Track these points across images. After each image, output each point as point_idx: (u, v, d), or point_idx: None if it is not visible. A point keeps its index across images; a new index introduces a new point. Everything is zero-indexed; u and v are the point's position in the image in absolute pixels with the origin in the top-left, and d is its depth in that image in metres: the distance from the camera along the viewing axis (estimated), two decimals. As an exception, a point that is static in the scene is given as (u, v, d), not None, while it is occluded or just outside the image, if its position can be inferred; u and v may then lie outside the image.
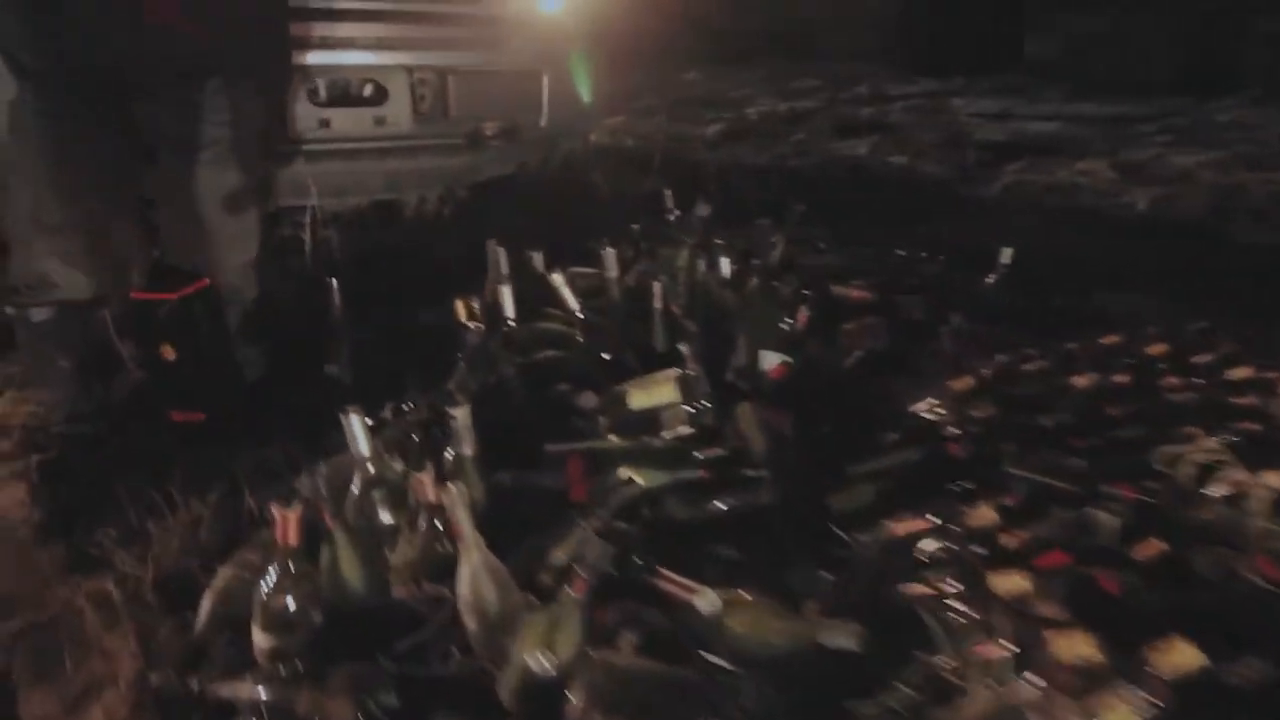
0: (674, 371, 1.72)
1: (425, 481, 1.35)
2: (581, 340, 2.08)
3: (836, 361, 2.19)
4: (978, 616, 1.16)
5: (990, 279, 2.76)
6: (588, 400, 1.71)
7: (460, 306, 2.24)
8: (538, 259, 2.57)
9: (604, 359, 2.06)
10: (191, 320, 2.06)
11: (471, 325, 2.23)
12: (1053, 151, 5.95)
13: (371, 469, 1.44)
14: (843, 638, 1.16)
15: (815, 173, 5.92)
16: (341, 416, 1.43)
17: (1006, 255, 2.73)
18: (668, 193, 3.42)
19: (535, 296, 2.47)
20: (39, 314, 2.17)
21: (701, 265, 2.45)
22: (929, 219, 4.45)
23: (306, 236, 3.04)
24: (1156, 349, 2.09)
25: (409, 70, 3.09)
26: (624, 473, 1.47)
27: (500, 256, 2.52)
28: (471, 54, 3.22)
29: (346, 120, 3.00)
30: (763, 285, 2.20)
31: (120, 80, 2.08)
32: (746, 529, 1.44)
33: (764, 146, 6.63)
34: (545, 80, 3.37)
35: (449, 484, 1.22)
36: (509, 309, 2.11)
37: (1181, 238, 4.12)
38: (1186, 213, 4.56)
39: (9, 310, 2.18)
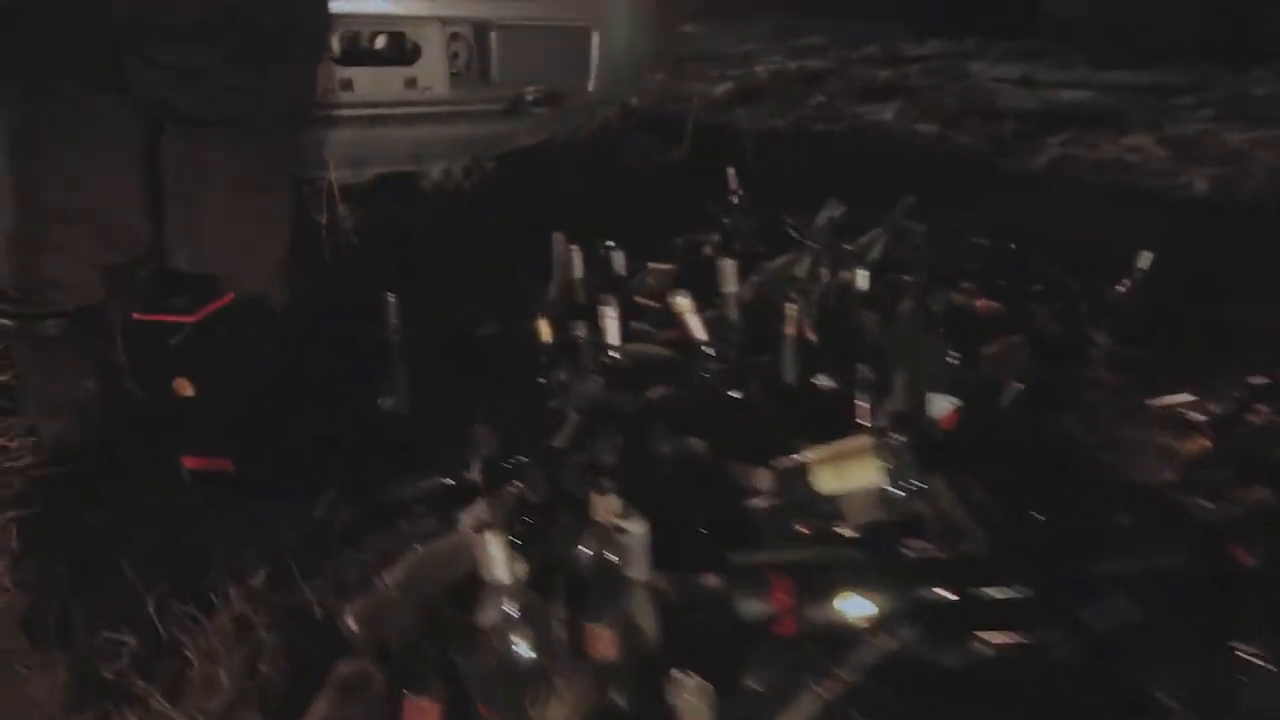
0: (865, 440, 1.34)
1: (606, 639, 0.97)
2: (703, 373, 1.69)
3: (994, 399, 1.83)
4: None
5: (1123, 285, 2.41)
6: (760, 479, 1.33)
7: (544, 325, 1.83)
8: (618, 259, 2.17)
9: (731, 397, 1.67)
10: (213, 346, 1.63)
11: (555, 347, 1.83)
12: (1092, 123, 5.62)
13: (512, 609, 1.04)
14: None
15: (845, 141, 5.53)
16: (475, 534, 1.03)
17: (1145, 260, 2.37)
18: (731, 171, 3.01)
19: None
20: (48, 327, 1.73)
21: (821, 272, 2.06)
22: (980, 197, 4.12)
23: (323, 220, 2.59)
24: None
25: (443, 22, 2.61)
26: (848, 599, 1.10)
27: (574, 257, 2.11)
28: (514, 4, 2.75)
29: (372, 82, 2.52)
30: (918, 305, 1.82)
31: (113, 38, 1.61)
32: (1019, 677, 1.08)
33: (782, 109, 6.20)
34: (595, 38, 2.92)
35: (687, 676, 0.84)
36: (613, 333, 1.70)
37: (1254, 225, 3.81)
38: (1249, 196, 4.28)
39: (3, 323, 1.73)
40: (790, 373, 1.77)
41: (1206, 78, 6.70)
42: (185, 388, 1.61)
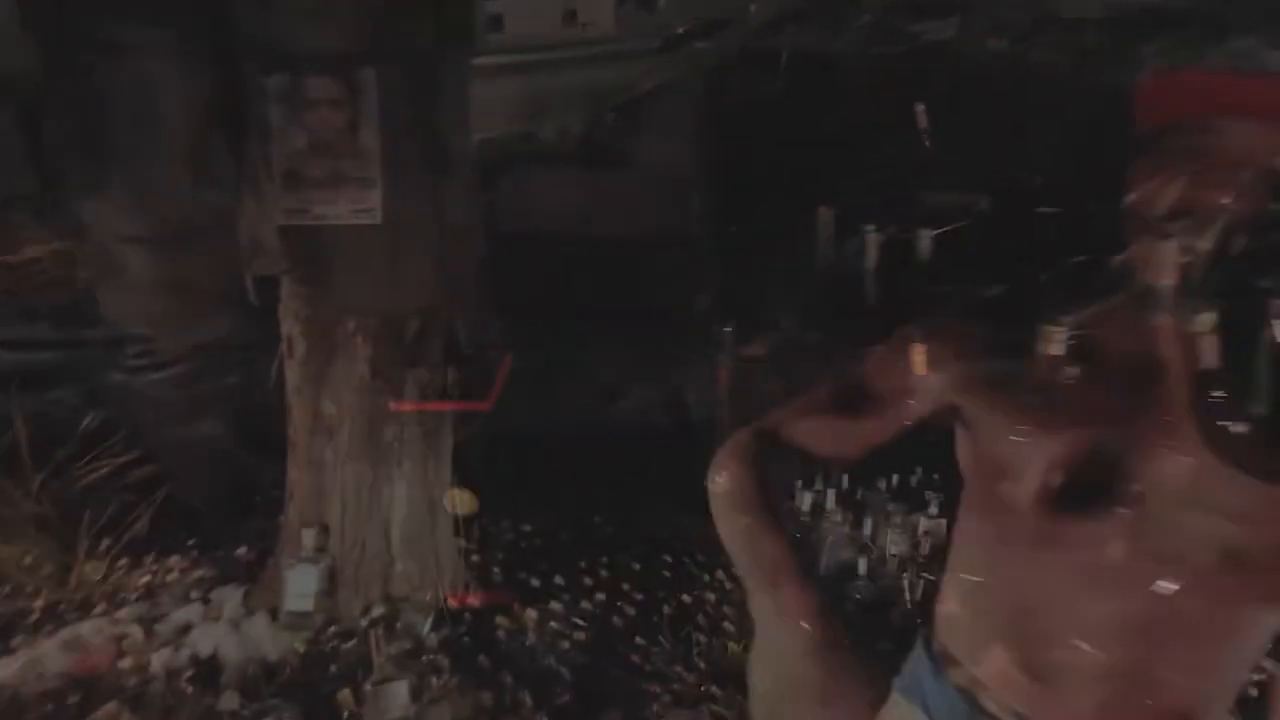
0: None
1: None
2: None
3: None
4: None
5: None
6: None
7: (919, 353, 1.30)
8: (923, 244, 1.64)
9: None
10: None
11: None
12: (1179, 27, 5.13)
13: None
14: None
15: (914, 66, 4.97)
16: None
17: None
18: (920, 108, 2.49)
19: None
20: (152, 378, 1.26)
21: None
22: (1101, 134, 3.63)
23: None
24: None
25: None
26: None
27: (870, 243, 1.58)
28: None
29: (526, 17, 1.92)
30: None
31: None
32: None
33: (831, 29, 5.60)
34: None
35: None
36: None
37: None
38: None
39: (118, 377, 1.26)
40: (1266, 395, 1.27)
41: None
42: (466, 502, 1.06)
